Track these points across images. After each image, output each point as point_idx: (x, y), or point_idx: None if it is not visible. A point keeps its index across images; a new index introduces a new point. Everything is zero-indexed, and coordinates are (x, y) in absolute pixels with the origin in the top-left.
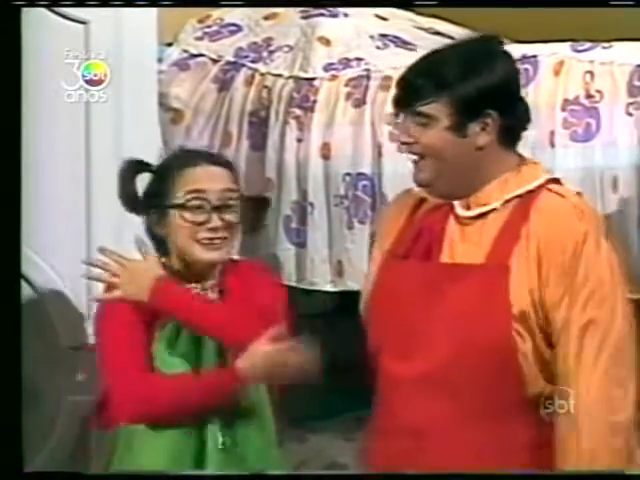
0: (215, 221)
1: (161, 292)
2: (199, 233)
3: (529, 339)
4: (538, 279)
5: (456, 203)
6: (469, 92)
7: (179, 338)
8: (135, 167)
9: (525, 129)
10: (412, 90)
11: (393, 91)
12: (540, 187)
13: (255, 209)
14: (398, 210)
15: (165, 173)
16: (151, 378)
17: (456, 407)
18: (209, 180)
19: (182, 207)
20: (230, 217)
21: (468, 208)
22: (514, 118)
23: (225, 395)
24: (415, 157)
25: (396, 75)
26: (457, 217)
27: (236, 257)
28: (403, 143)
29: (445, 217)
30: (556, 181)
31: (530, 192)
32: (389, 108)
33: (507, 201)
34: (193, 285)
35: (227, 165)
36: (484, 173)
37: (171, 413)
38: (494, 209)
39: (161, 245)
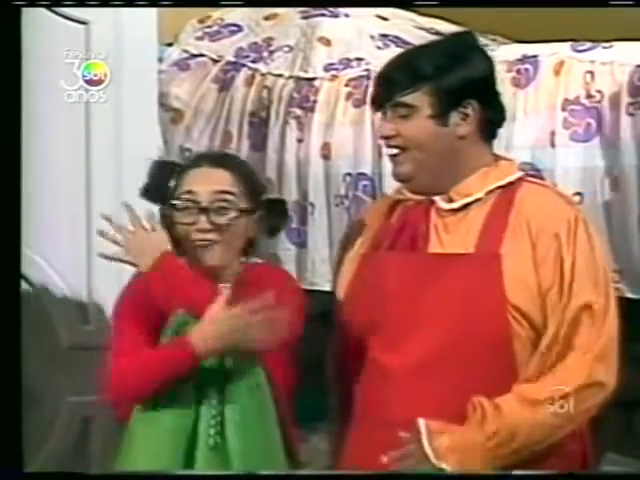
0: (202, 223)
1: (161, 265)
2: (191, 234)
3: (528, 326)
4: (534, 265)
5: (437, 197)
6: (451, 80)
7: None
8: (170, 168)
9: (501, 126)
10: (392, 82)
11: (375, 85)
12: (519, 180)
13: (272, 211)
14: (373, 214)
15: (176, 175)
16: (124, 358)
17: (450, 396)
18: (202, 182)
19: (174, 208)
20: (220, 219)
21: (450, 201)
22: (492, 112)
23: (180, 367)
24: (395, 151)
25: None
26: (439, 211)
27: (259, 260)
28: (384, 137)
29: (426, 212)
30: (531, 177)
31: (510, 184)
32: None
33: (489, 192)
34: None
35: (231, 167)
36: (464, 166)
37: (140, 388)
38: (477, 200)
39: (178, 247)
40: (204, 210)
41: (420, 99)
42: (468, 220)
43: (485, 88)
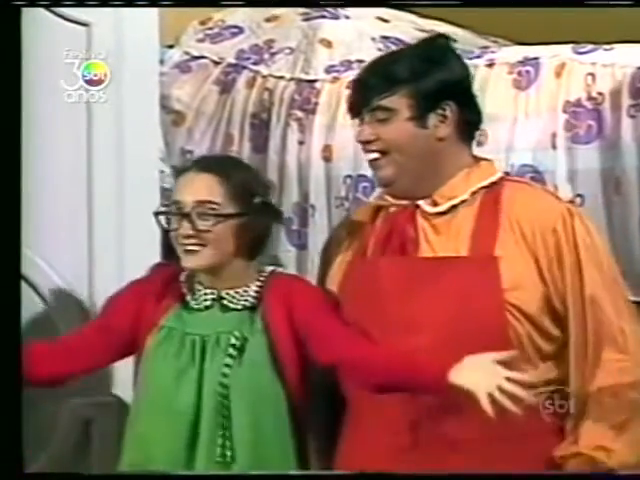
0: (185, 228)
1: None
2: (177, 239)
3: (527, 323)
4: (534, 262)
5: (421, 202)
6: (428, 82)
7: (171, 340)
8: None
9: (478, 128)
10: (369, 86)
11: (351, 92)
12: (501, 179)
13: (264, 214)
14: (356, 222)
15: (173, 180)
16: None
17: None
18: (186, 190)
19: (162, 214)
20: (201, 225)
21: (435, 204)
22: (470, 113)
23: None
24: (376, 155)
25: None
26: (425, 215)
27: (279, 269)
28: (363, 142)
29: (412, 217)
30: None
31: (493, 184)
32: None
33: (474, 193)
34: (208, 291)
35: (220, 171)
36: (444, 168)
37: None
38: (463, 201)
39: (173, 253)
40: (186, 216)
41: (398, 102)
42: (456, 222)
43: (462, 90)
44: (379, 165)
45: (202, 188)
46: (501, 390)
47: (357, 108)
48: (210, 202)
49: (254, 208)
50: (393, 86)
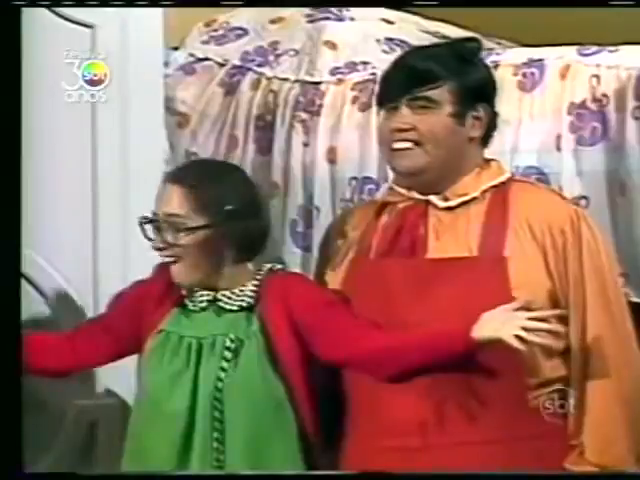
0: (157, 242)
1: None
2: (157, 252)
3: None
4: (544, 263)
5: (432, 198)
6: (469, 81)
7: (168, 343)
8: None
9: (493, 135)
10: (417, 74)
11: (390, 78)
12: (509, 179)
13: (242, 221)
14: (359, 218)
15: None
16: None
17: (458, 399)
18: (159, 199)
19: (144, 223)
20: (172, 236)
21: (446, 200)
22: (494, 118)
23: None
24: (408, 144)
25: None
26: (436, 211)
27: (278, 266)
28: (397, 130)
29: (423, 214)
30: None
31: (502, 184)
32: None
33: (484, 191)
34: (205, 293)
35: (189, 184)
36: (464, 167)
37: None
38: (474, 198)
39: None
40: (158, 229)
41: (443, 95)
42: (466, 219)
43: (492, 94)
44: (408, 154)
45: (170, 200)
46: (526, 329)
47: (393, 96)
48: (177, 215)
49: (224, 217)
50: (440, 79)
